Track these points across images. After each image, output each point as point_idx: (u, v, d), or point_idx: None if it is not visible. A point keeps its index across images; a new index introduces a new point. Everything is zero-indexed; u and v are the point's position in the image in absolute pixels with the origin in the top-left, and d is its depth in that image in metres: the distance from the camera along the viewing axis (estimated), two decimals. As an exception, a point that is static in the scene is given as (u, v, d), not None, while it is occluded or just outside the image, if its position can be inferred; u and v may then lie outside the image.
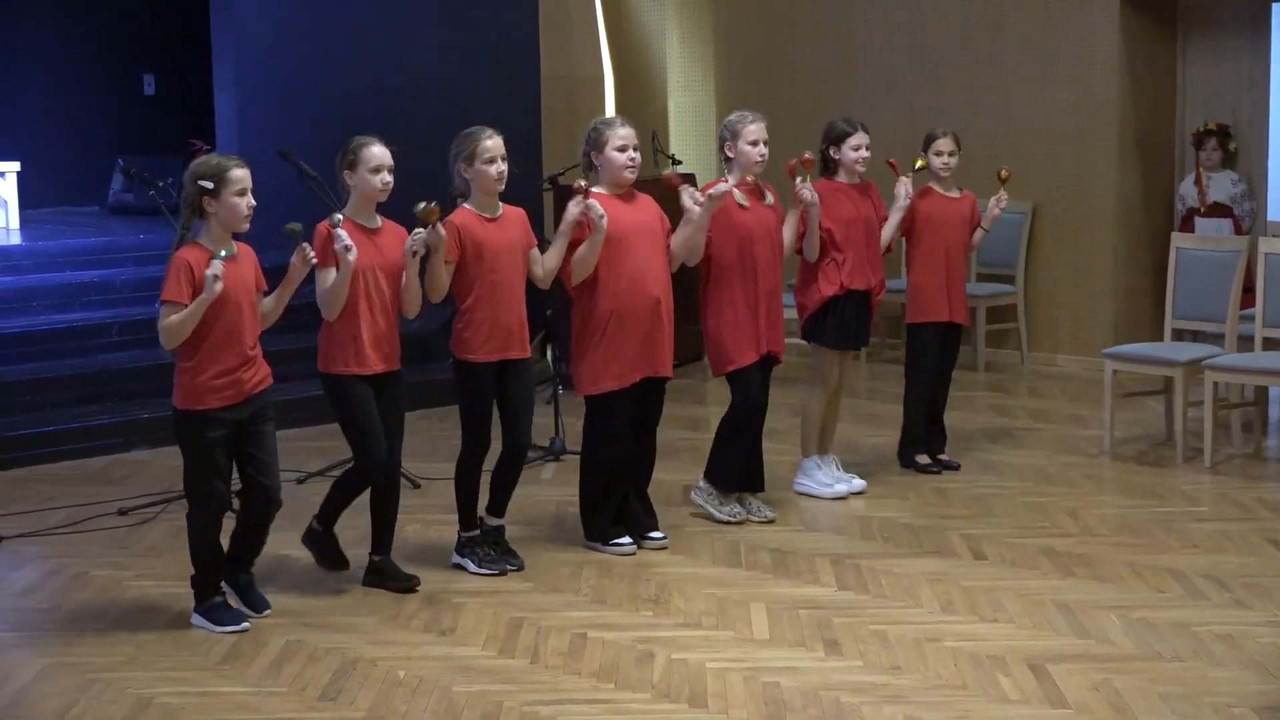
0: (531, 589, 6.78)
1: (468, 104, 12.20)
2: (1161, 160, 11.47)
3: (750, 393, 7.45)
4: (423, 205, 6.45)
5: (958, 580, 6.79)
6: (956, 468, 8.57)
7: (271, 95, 12.20)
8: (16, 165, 12.66)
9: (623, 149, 7.04)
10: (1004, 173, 8.50)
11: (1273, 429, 9.39)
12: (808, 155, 7.58)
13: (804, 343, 8.21)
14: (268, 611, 6.40)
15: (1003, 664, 5.82)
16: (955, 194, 8.50)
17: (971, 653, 5.94)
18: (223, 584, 6.37)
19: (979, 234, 8.61)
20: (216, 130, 12.51)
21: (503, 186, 6.78)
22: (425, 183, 11.43)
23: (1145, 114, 11.33)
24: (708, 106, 13.11)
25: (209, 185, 6.07)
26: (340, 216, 6.48)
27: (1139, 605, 6.47)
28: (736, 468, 7.60)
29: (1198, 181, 11.01)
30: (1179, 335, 9.37)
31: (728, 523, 7.57)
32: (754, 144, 7.40)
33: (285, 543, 7.49)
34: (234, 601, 6.39)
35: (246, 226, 6.19)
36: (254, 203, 6.18)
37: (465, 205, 6.81)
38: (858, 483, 8.14)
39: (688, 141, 12.98)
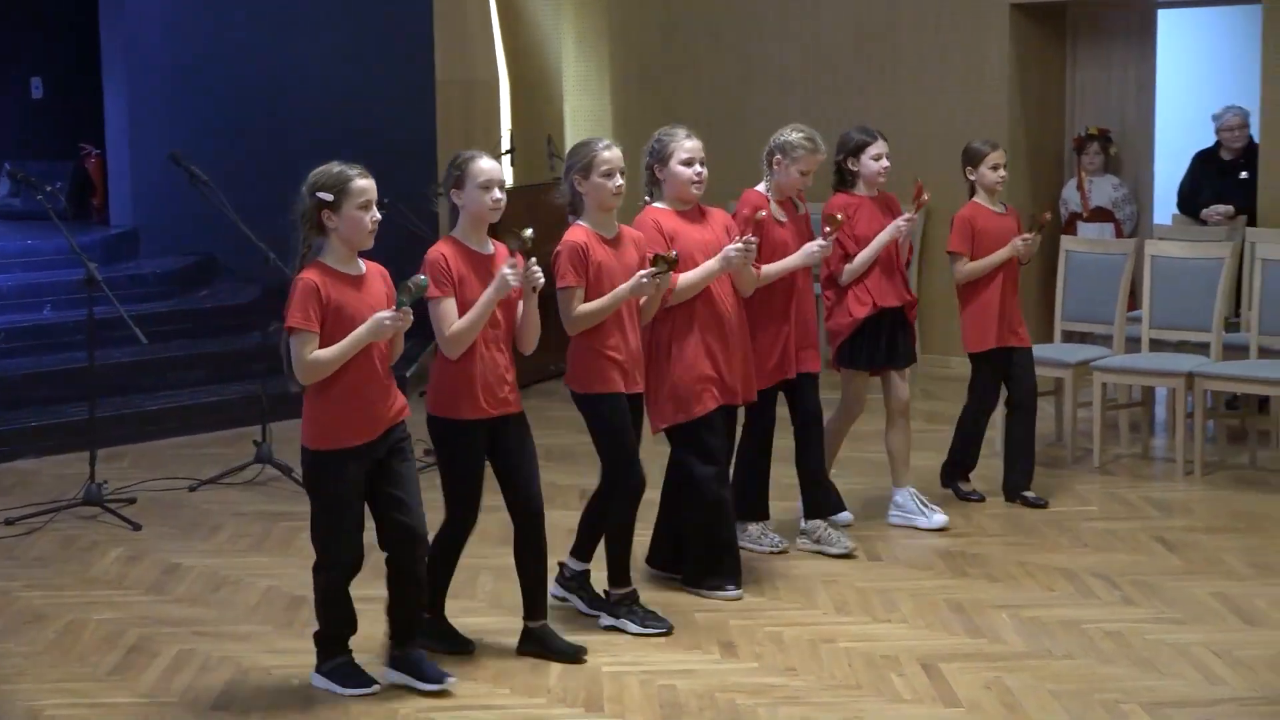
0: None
1: (362, 108, 12.18)
2: (1051, 165, 11.61)
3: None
4: (529, 232, 5.71)
5: (852, 581, 6.83)
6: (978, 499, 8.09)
7: (163, 98, 12.11)
8: (-99, 170, 12.50)
9: (689, 163, 6.44)
10: (1046, 216, 8.11)
11: (1159, 429, 9.53)
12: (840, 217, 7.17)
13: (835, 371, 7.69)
14: (451, 680, 5.65)
15: (896, 664, 5.87)
16: (1001, 209, 8.02)
17: (865, 653, 5.98)
18: (391, 669, 5.70)
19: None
20: (106, 134, 12.40)
21: (620, 203, 6.20)
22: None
23: (1035, 119, 11.46)
24: (604, 111, 13.11)
25: (328, 197, 5.41)
26: (530, 232, 5.67)
27: (1030, 604, 6.54)
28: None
29: (1080, 186, 11.16)
30: (1068, 337, 9.48)
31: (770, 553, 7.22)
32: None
33: (177, 551, 7.44)
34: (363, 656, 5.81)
35: (371, 243, 5.50)
36: (379, 216, 5.52)
37: (581, 223, 6.19)
38: (939, 518, 7.62)
39: (583, 146, 12.95)
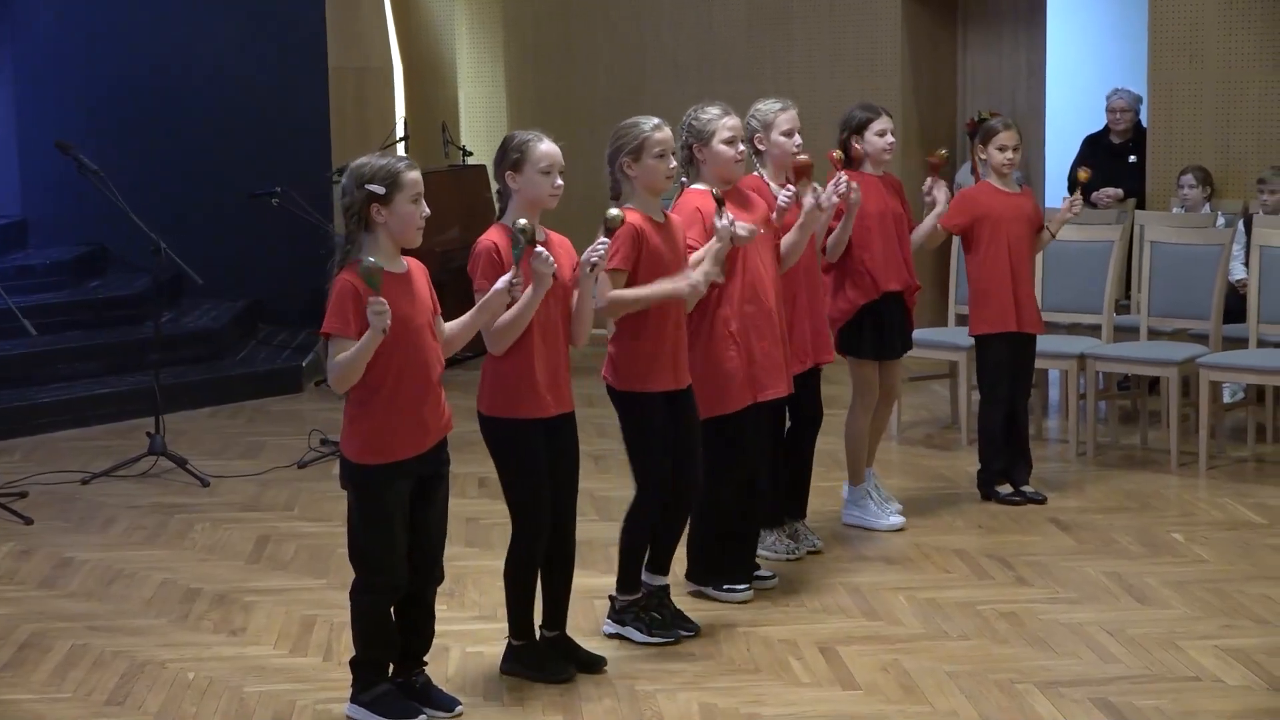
0: (324, 586, 6.71)
1: (254, 95, 12.06)
2: (942, 148, 11.69)
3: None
4: (615, 213, 5.54)
5: (750, 566, 6.85)
6: (1041, 500, 7.77)
7: (50, 85, 11.95)
8: None
9: (731, 141, 6.17)
10: (1082, 174, 7.92)
11: (1052, 410, 9.64)
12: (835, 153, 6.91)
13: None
14: (460, 709, 5.38)
15: (794, 647, 5.90)
16: (1015, 189, 7.78)
17: (764, 637, 6.00)
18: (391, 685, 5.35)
19: (1045, 235, 7.83)
20: (-7, 122, 12.23)
21: (671, 184, 5.94)
22: (232, 175, 11.17)
23: (927, 103, 11.55)
24: (498, 97, 13.08)
25: (379, 190, 5.04)
26: (530, 229, 5.30)
27: (926, 586, 6.59)
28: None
29: (974, 170, 11.25)
30: (961, 320, 9.54)
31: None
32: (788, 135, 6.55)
33: (70, 545, 7.36)
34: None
35: (419, 241, 5.15)
36: (429, 211, 5.16)
37: (630, 206, 5.81)
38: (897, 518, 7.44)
39: (478, 133, 12.94)
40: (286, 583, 6.79)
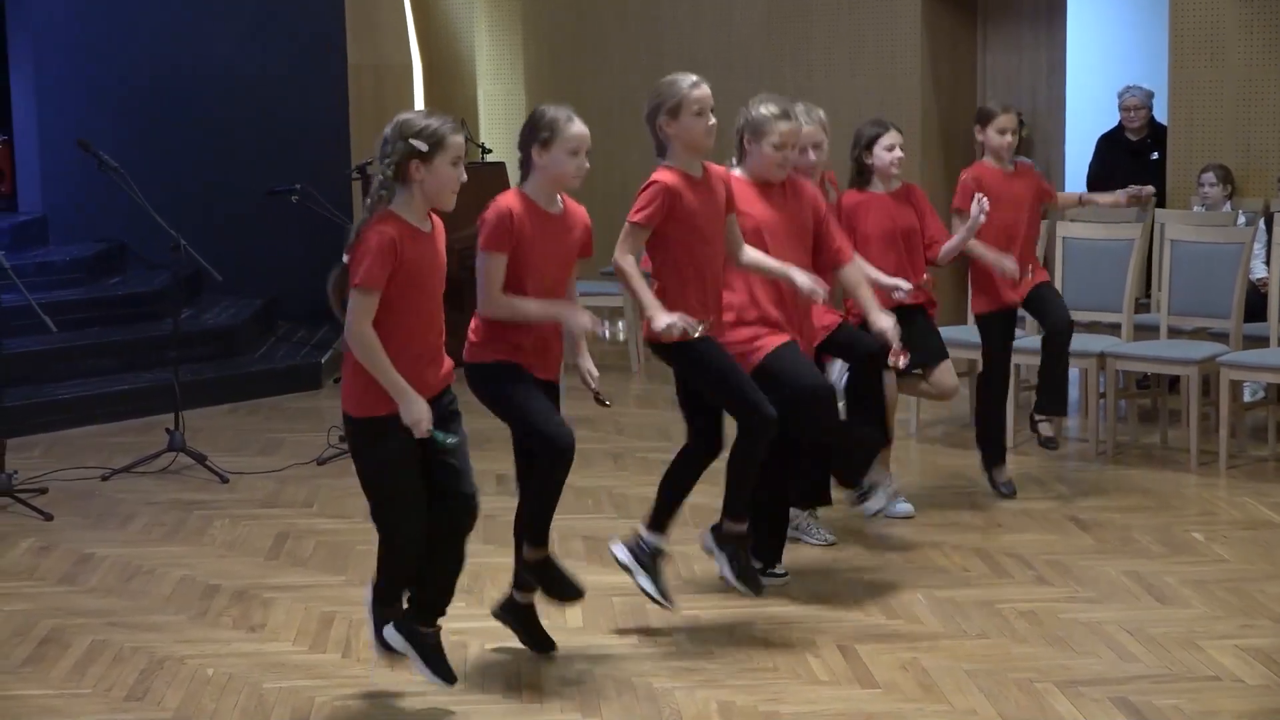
0: (344, 582, 6.72)
1: (274, 93, 12.09)
2: (963, 147, 11.66)
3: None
4: (700, 328, 5.67)
5: (769, 564, 6.85)
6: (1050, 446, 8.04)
7: (71, 83, 11.97)
8: None
9: (780, 147, 6.22)
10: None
11: (1072, 409, 9.60)
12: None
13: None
14: (456, 685, 5.40)
15: (812, 645, 5.89)
16: (1010, 168, 7.83)
17: (782, 635, 6.00)
18: (399, 636, 5.34)
19: (1070, 199, 8.10)
20: (14, 119, 12.24)
21: (713, 142, 5.88)
22: (251, 172, 11.21)
23: (946, 101, 11.52)
24: (516, 95, 13.08)
25: (424, 147, 5.05)
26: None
27: (945, 585, 6.58)
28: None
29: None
30: (981, 318, 9.53)
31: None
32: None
33: (90, 541, 7.37)
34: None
35: (452, 205, 5.17)
36: (465, 177, 5.17)
37: (667, 164, 5.85)
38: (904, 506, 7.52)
39: (497, 130, 12.94)
40: (305, 579, 6.80)
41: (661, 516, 6.07)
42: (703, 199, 5.84)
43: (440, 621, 5.39)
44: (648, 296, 5.77)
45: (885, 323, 6.37)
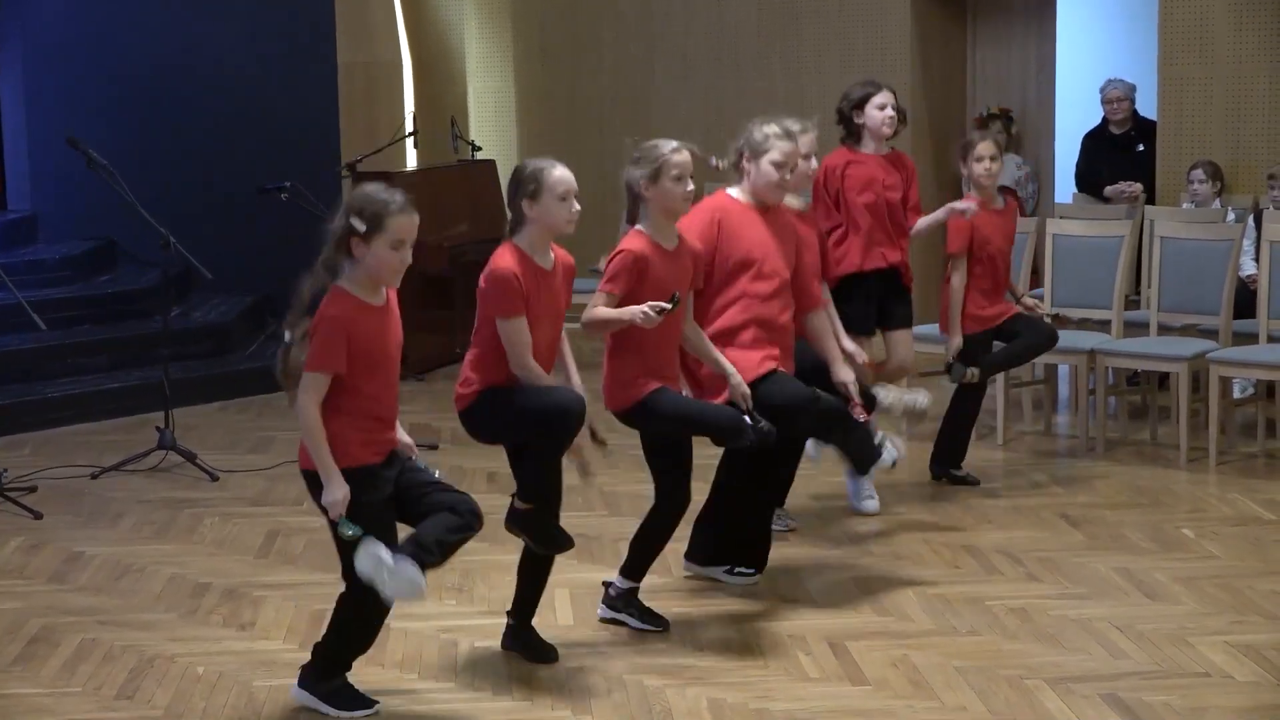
0: (334, 580, 6.69)
1: (264, 90, 12.06)
2: (952, 144, 11.66)
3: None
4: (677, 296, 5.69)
5: (759, 561, 6.85)
6: (973, 483, 8.03)
7: (60, 81, 11.94)
8: None
9: (780, 165, 6.18)
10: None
11: (1062, 406, 9.63)
12: None
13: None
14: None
15: (803, 643, 5.89)
16: (999, 205, 7.86)
17: (772, 632, 6.00)
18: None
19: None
20: (3, 117, 12.22)
21: (690, 208, 5.91)
22: (241, 170, 11.16)
23: (937, 99, 11.53)
24: (507, 92, 13.08)
25: (360, 227, 4.99)
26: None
27: (935, 581, 6.59)
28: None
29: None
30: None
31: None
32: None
33: (79, 540, 7.36)
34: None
35: (396, 284, 5.15)
36: (410, 260, 5.08)
37: (640, 229, 5.82)
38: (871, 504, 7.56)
39: (488, 128, 12.93)
40: (296, 577, 6.80)
41: (637, 566, 6.10)
42: (671, 269, 5.82)
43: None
44: (622, 313, 5.69)
45: (847, 376, 6.44)
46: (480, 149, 12.07)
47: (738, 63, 11.97)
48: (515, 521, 5.64)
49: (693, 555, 6.61)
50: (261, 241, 11.54)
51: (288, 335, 5.15)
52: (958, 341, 7.79)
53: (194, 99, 12.11)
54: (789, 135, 6.21)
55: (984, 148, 7.69)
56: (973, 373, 7.69)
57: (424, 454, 5.33)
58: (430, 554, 5.09)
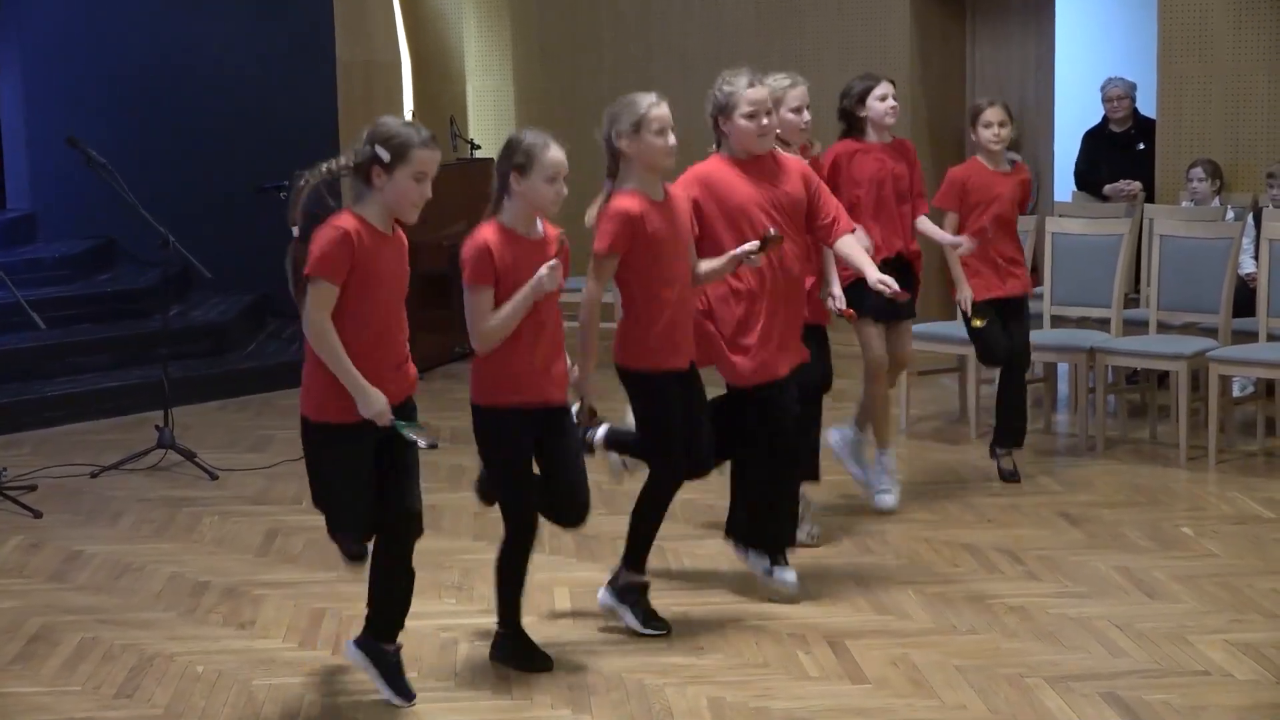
0: (334, 579, 6.72)
1: (263, 89, 12.07)
2: (951, 143, 11.69)
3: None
4: (774, 233, 5.78)
5: (758, 560, 6.85)
6: (1013, 479, 8.02)
7: (59, 80, 11.95)
8: None
9: (752, 115, 6.10)
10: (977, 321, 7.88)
11: (1062, 405, 9.63)
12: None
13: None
14: (414, 703, 5.40)
15: (803, 641, 5.89)
16: (1006, 168, 7.86)
17: (772, 631, 6.00)
18: (363, 658, 5.42)
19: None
20: (3, 116, 12.23)
21: (672, 162, 5.80)
22: (240, 169, 11.16)
23: (936, 97, 11.54)
24: (505, 91, 13.08)
25: (385, 156, 5.00)
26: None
27: (935, 580, 6.59)
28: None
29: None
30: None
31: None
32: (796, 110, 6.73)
33: (79, 538, 7.36)
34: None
35: (413, 219, 5.14)
36: (430, 194, 5.11)
37: (629, 187, 5.73)
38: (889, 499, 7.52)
39: (486, 127, 12.93)
40: (295, 576, 6.80)
41: (635, 550, 6.04)
42: (666, 222, 5.76)
43: (400, 639, 5.42)
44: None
45: (883, 275, 6.39)
46: (479, 148, 12.08)
47: (736, 60, 11.84)
48: (481, 492, 5.82)
49: (730, 530, 6.50)
50: (261, 241, 11.48)
51: (295, 230, 5.13)
52: (967, 292, 7.78)
53: (194, 99, 12.12)
54: (753, 83, 6.15)
55: (992, 113, 7.73)
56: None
57: (424, 454, 5.31)
58: (397, 630, 5.41)
